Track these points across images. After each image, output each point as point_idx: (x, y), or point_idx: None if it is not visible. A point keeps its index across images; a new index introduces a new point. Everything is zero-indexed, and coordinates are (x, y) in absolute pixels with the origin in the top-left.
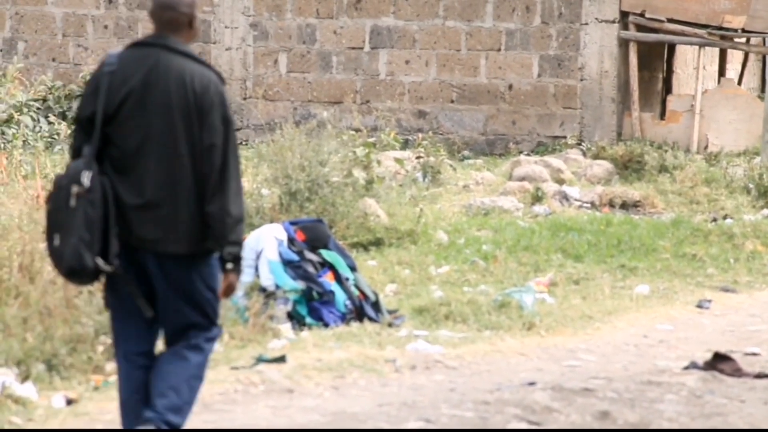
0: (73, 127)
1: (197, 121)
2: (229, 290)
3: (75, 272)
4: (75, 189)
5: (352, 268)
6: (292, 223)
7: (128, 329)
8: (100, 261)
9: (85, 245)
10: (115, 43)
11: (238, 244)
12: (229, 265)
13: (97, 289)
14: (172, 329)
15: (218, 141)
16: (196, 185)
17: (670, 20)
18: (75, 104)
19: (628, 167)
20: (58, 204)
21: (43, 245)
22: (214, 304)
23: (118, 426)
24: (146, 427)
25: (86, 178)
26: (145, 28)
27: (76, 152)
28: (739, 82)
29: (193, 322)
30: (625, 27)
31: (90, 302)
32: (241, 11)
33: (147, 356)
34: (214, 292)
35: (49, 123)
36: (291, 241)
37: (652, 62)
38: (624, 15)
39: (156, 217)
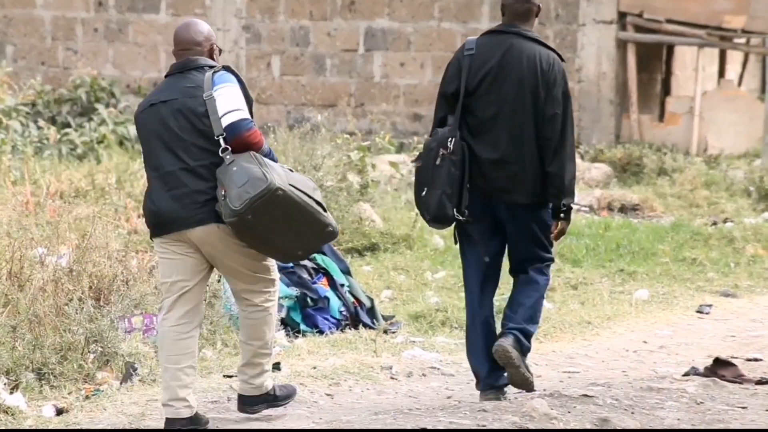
0: (437, 101)
1: (544, 94)
2: (561, 233)
3: (438, 219)
4: (442, 151)
5: (347, 274)
6: None
7: (477, 269)
8: (456, 213)
9: (447, 197)
10: (105, 47)
11: (572, 197)
12: (563, 214)
13: (86, 295)
14: (518, 260)
15: (559, 110)
16: (537, 148)
17: (669, 21)
18: (65, 108)
19: (627, 170)
20: (428, 163)
21: (32, 252)
22: (548, 239)
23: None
24: (508, 338)
25: (451, 142)
26: (135, 31)
27: (440, 121)
28: (739, 84)
29: (533, 254)
30: (623, 28)
31: (80, 310)
32: (234, 14)
33: (491, 291)
34: (548, 230)
35: (39, 128)
36: None
37: (651, 63)
38: (622, 16)
39: (507, 172)
